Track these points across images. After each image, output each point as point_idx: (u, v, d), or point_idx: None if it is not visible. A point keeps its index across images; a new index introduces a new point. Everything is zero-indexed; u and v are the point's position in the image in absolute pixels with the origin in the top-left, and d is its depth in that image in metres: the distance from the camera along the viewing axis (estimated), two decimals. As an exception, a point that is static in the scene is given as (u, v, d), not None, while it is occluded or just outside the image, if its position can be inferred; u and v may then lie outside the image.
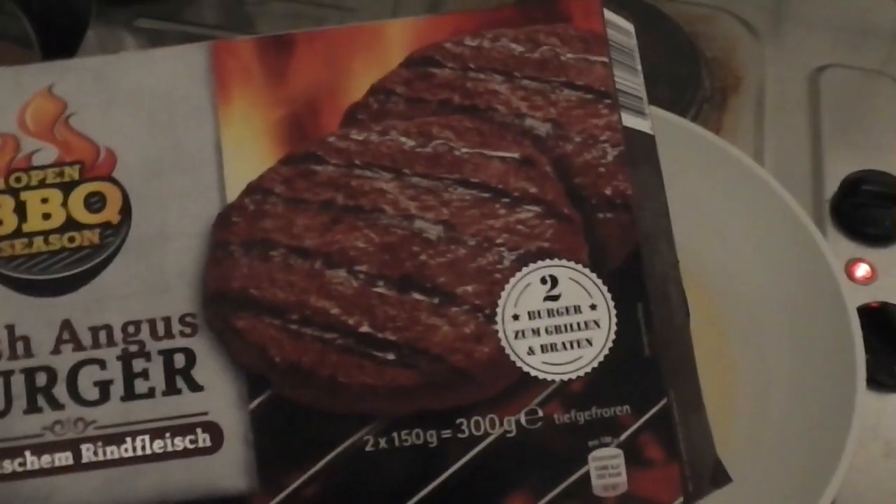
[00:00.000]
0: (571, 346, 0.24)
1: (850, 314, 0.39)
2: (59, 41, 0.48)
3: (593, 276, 0.25)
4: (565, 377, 0.24)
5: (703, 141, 0.43)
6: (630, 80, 0.27)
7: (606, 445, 0.24)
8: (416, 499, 0.24)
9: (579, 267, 0.25)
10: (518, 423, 0.24)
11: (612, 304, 0.25)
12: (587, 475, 0.24)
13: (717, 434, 0.38)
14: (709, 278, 0.42)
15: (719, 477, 0.27)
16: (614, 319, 0.25)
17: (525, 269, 0.24)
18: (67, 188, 0.24)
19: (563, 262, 0.25)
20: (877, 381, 0.43)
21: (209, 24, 0.52)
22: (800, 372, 0.40)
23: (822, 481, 0.36)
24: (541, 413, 0.24)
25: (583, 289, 0.25)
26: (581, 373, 0.24)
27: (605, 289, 0.25)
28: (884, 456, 0.42)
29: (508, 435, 0.24)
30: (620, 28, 0.27)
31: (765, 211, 0.42)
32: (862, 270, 0.45)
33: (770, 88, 0.50)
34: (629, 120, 0.26)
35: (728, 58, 0.51)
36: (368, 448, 0.24)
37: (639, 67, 0.28)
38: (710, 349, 0.41)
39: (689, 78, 0.49)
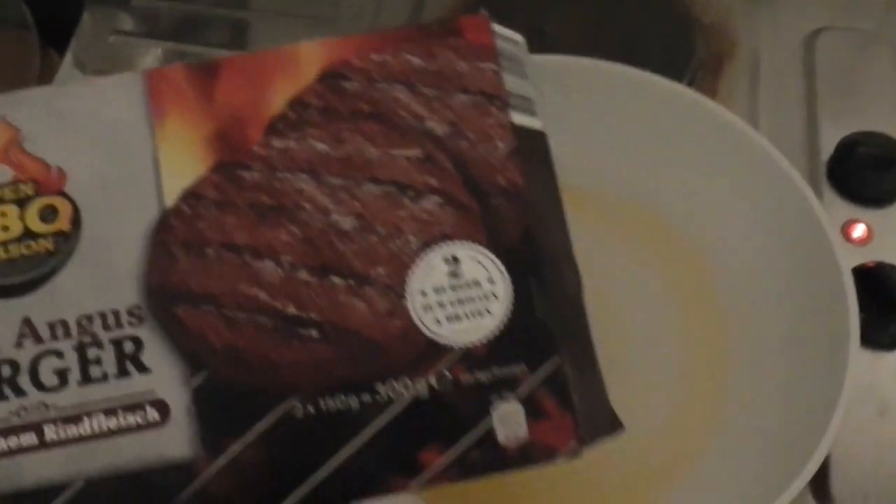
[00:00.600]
0: (473, 316, 0.28)
1: (843, 274, 0.40)
2: (56, 24, 0.52)
3: (491, 254, 0.28)
4: (469, 343, 0.28)
5: (696, 105, 0.44)
6: (519, 84, 0.30)
7: (507, 400, 0.27)
8: (340, 456, 0.27)
9: (477, 247, 0.28)
10: (429, 385, 0.27)
11: (508, 277, 0.28)
12: (491, 428, 0.27)
13: (712, 394, 0.41)
14: (703, 242, 0.44)
15: (612, 426, 0.30)
16: (510, 291, 0.28)
17: (429, 252, 0.28)
18: (23, 203, 0.28)
19: (463, 243, 0.28)
20: (872, 341, 0.43)
21: (204, 2, 0.55)
22: (793, 332, 0.41)
23: (814, 439, 0.37)
24: (448, 376, 0.28)
25: (481, 266, 0.28)
26: (483, 339, 0.28)
27: (501, 265, 0.28)
28: (878, 414, 0.43)
29: (421, 396, 0.27)
30: (508, 39, 0.31)
31: (759, 174, 0.43)
32: (858, 231, 0.46)
33: (765, 53, 0.50)
34: (519, 119, 0.30)
35: (723, 23, 0.52)
36: (297, 415, 0.27)
37: (528, 72, 0.31)
38: (705, 311, 0.43)
39: (684, 44, 0.50)
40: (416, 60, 0.29)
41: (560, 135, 0.45)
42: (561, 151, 0.45)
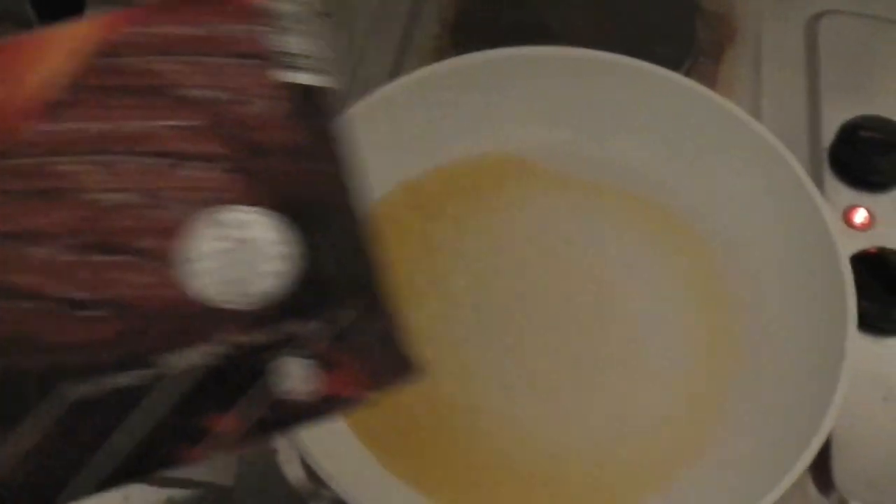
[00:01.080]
0: (253, 278, 0.28)
1: (841, 261, 0.40)
2: (58, 20, 0.52)
3: (269, 214, 0.28)
4: (249, 305, 0.28)
5: (695, 95, 0.44)
6: (298, 42, 0.30)
7: (293, 356, 0.28)
8: (123, 433, 0.27)
9: (254, 209, 0.28)
10: (210, 352, 0.27)
11: (289, 236, 0.28)
12: (279, 385, 0.28)
13: (715, 382, 0.41)
14: (706, 231, 0.44)
15: (409, 371, 0.30)
16: (292, 249, 0.28)
17: (201, 218, 0.28)
18: None
19: (239, 206, 0.28)
20: (876, 327, 0.43)
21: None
22: (794, 319, 0.41)
23: (814, 426, 0.37)
24: (230, 339, 0.27)
25: (259, 227, 0.28)
26: (264, 299, 0.28)
27: (281, 224, 0.28)
28: (883, 400, 0.42)
29: (203, 363, 0.27)
30: None
31: (759, 163, 0.43)
32: (860, 217, 0.46)
33: (767, 38, 0.50)
34: (300, 77, 0.30)
35: (724, 9, 0.51)
36: (75, 397, 0.27)
37: (310, 29, 0.31)
38: (708, 300, 0.43)
39: (686, 30, 0.50)
40: (184, 29, 0.29)
41: (563, 125, 0.46)
42: (564, 142, 0.46)
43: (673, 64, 0.46)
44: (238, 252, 0.28)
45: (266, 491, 0.41)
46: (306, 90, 0.30)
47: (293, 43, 0.30)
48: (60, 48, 0.29)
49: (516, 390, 0.41)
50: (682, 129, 0.44)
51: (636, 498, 0.39)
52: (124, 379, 0.27)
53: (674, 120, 0.44)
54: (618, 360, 0.42)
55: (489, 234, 0.44)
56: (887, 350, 0.43)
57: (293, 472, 0.40)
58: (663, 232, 0.44)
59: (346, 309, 0.28)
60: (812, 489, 0.40)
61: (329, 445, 0.37)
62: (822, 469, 0.40)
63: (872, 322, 0.43)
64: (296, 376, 0.28)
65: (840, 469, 0.40)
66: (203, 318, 0.28)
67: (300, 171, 0.29)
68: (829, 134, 0.47)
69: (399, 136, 0.44)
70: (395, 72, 0.50)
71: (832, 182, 0.46)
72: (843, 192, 0.46)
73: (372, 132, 0.43)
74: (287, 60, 0.29)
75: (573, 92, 0.45)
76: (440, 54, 0.46)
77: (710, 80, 0.45)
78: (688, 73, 0.48)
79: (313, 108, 0.30)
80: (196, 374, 0.27)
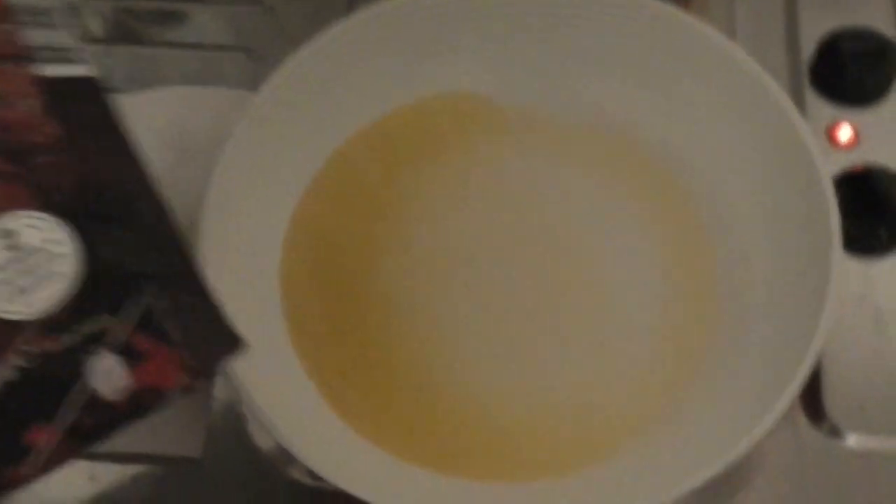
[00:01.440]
0: (43, 282, 0.27)
1: (823, 180, 0.38)
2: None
3: (47, 216, 0.28)
4: (44, 311, 0.27)
5: (663, 17, 0.42)
6: (49, 35, 0.30)
7: (99, 355, 0.27)
8: None
9: (30, 213, 0.28)
10: (13, 365, 0.27)
11: (71, 233, 0.28)
12: (90, 388, 0.27)
13: (697, 310, 0.39)
14: (681, 162, 0.42)
15: (232, 347, 0.30)
16: (77, 246, 0.28)
17: None
18: None
19: (13, 213, 0.28)
20: (864, 247, 0.42)
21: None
22: (777, 245, 0.40)
23: (801, 355, 0.36)
24: (32, 349, 0.27)
25: (39, 230, 0.28)
26: (58, 301, 0.27)
27: (61, 223, 0.28)
28: (873, 323, 0.41)
29: (8, 378, 0.27)
30: None
31: (733, 85, 0.41)
32: (845, 134, 0.44)
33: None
34: (53, 70, 0.30)
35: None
36: None
37: (60, 22, 0.31)
38: (687, 233, 0.41)
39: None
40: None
41: (526, 62, 0.44)
42: (528, 79, 0.44)
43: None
44: (26, 260, 0.27)
45: (236, 461, 0.40)
46: (66, 81, 0.29)
47: (45, 36, 0.29)
48: None
49: (484, 343, 0.40)
50: (650, 56, 0.42)
51: (619, 442, 0.38)
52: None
53: (642, 47, 0.42)
54: (593, 304, 0.40)
55: (451, 179, 0.43)
56: (877, 271, 0.41)
57: (264, 440, 0.39)
58: (634, 170, 0.42)
59: (143, 297, 0.28)
60: (803, 420, 0.39)
61: (291, 410, 0.36)
62: (812, 399, 0.39)
63: (861, 243, 0.41)
64: (108, 375, 0.27)
65: (831, 398, 0.39)
66: (4, 332, 0.27)
67: (65, 166, 0.28)
68: (808, 48, 0.45)
69: (356, 79, 0.42)
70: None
71: (813, 99, 0.44)
72: (825, 109, 0.44)
73: (326, 74, 0.42)
74: (40, 55, 0.29)
75: (535, 26, 0.43)
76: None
77: (682, 1, 0.43)
78: None
79: (69, 100, 0.29)
80: (9, 390, 0.27)
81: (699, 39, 0.41)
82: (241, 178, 0.39)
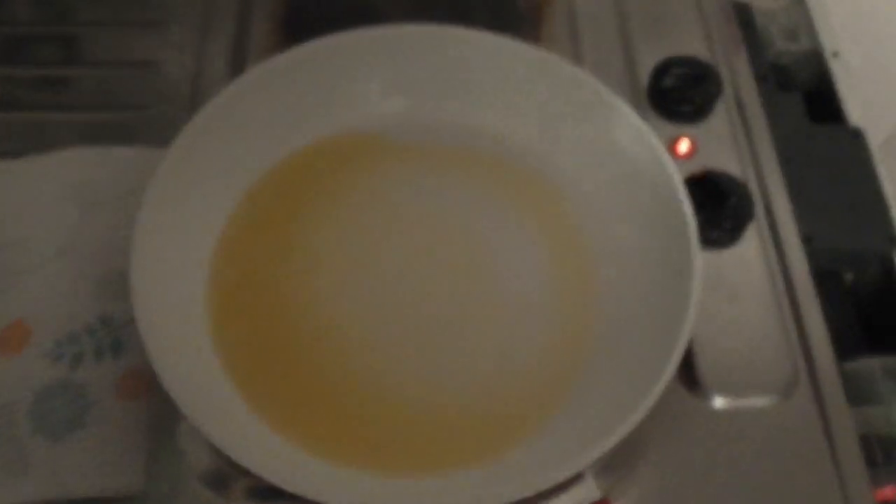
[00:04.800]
0: None
1: (677, 186, 0.45)
2: None
3: None
4: None
5: (526, 55, 0.48)
6: None
7: None
8: None
9: None
10: None
11: None
12: None
13: (581, 301, 0.45)
14: (554, 178, 0.48)
15: None
16: None
17: None
18: None
19: None
20: (713, 239, 0.48)
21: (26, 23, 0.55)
22: (645, 247, 0.46)
23: (675, 336, 0.41)
24: None
25: None
26: None
27: None
28: (728, 300, 0.48)
29: None
30: None
31: (590, 108, 0.47)
32: (683, 146, 0.51)
33: (579, -1, 0.55)
34: None
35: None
36: None
37: None
38: (561, 240, 0.47)
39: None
40: None
41: (407, 98, 0.49)
42: (412, 113, 0.49)
43: (497, 29, 0.49)
44: None
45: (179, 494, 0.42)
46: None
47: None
48: None
49: (392, 344, 0.44)
50: (520, 88, 0.48)
51: (523, 428, 0.42)
52: None
53: (511, 80, 0.48)
54: (488, 303, 0.45)
55: (351, 206, 0.47)
56: (727, 257, 0.48)
57: (196, 458, 0.41)
58: (517, 187, 0.48)
59: None
60: (682, 390, 0.45)
61: (215, 414, 0.40)
62: (688, 371, 0.45)
63: (710, 236, 0.48)
64: None
65: (702, 367, 0.45)
66: None
67: None
68: (644, 75, 0.52)
69: (258, 127, 0.47)
70: (236, 72, 0.51)
71: (654, 119, 0.51)
72: (664, 127, 0.51)
73: (231, 125, 0.46)
74: None
75: (412, 65, 0.49)
76: (279, 48, 0.48)
77: (533, 41, 0.49)
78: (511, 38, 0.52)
79: None
80: None
81: (557, 70, 0.48)
82: (163, 221, 0.42)
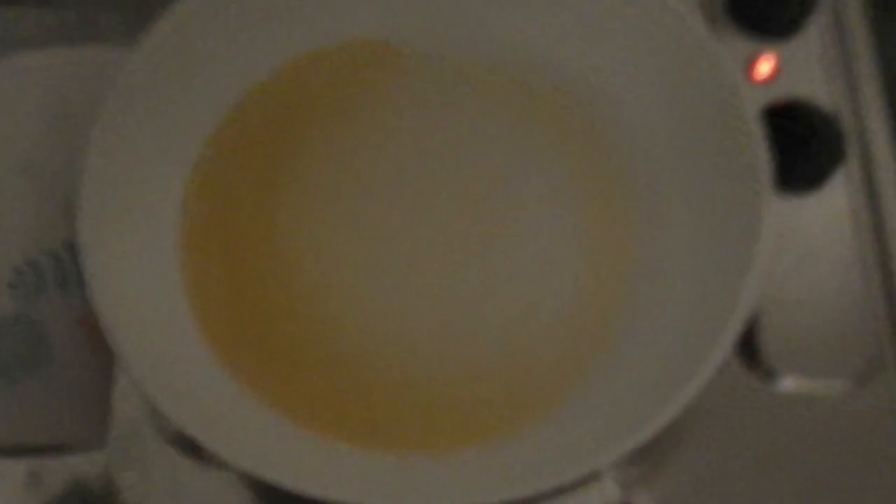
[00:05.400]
0: None
1: (749, 118, 0.36)
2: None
3: None
4: None
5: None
6: None
7: None
8: None
9: None
10: None
11: None
12: None
13: (618, 270, 0.38)
14: (594, 101, 0.40)
15: None
16: None
17: None
18: None
19: None
20: (790, 184, 0.41)
21: None
22: (702, 190, 0.37)
23: (735, 298, 0.34)
24: None
25: None
26: None
27: None
28: (804, 261, 0.40)
29: None
30: None
31: (648, 14, 0.38)
32: (765, 67, 0.42)
33: None
34: None
35: None
36: None
37: None
38: (599, 176, 0.39)
39: None
40: None
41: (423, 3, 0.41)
42: (426, 20, 0.41)
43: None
44: None
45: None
46: None
47: None
48: None
49: (396, 299, 0.37)
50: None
51: (545, 402, 0.36)
52: None
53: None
54: (509, 252, 0.38)
55: (353, 129, 0.40)
56: (804, 207, 0.41)
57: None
58: (546, 109, 0.40)
59: None
60: (739, 367, 0.38)
61: (187, 381, 0.34)
62: (748, 344, 0.38)
63: (787, 180, 0.40)
64: None
65: (766, 341, 0.38)
66: None
67: None
68: (724, -23, 0.44)
69: (249, 30, 0.39)
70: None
71: (732, 32, 0.43)
72: (744, 42, 0.43)
73: (214, 26, 0.38)
74: None
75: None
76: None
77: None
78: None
79: None
80: None
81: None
82: (124, 141, 0.36)
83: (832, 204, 0.41)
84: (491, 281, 0.38)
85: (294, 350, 0.36)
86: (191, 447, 0.36)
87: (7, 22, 0.45)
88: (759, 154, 0.36)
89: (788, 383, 0.38)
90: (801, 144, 0.41)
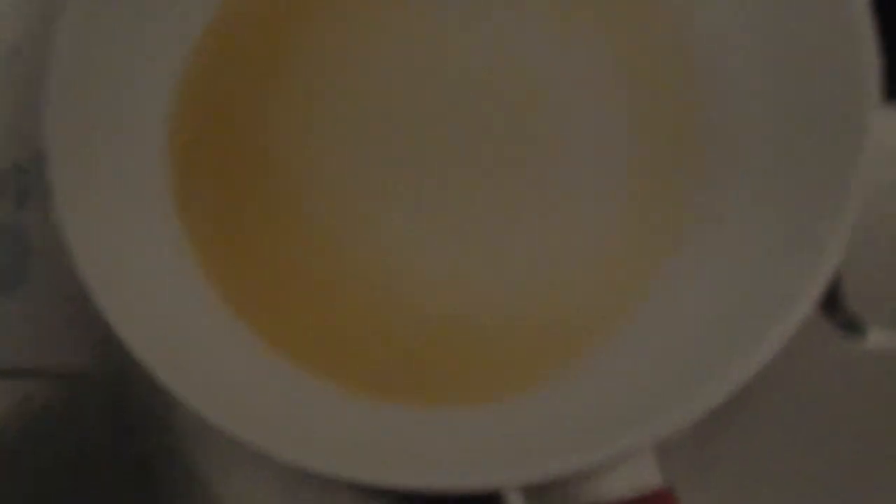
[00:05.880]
0: None
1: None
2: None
3: None
4: None
5: None
6: None
7: None
8: None
9: None
10: None
11: None
12: None
13: (678, 193, 0.32)
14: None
15: None
16: None
17: None
18: None
19: None
20: (896, 91, 0.33)
21: None
22: (791, 95, 0.30)
23: (824, 232, 0.28)
24: None
25: None
26: None
27: None
28: (903, 186, 0.33)
29: None
30: None
31: None
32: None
33: None
34: None
35: None
36: None
37: None
38: (665, 75, 0.32)
39: None
40: None
41: None
42: None
43: None
44: None
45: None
46: None
47: None
48: None
49: (415, 226, 0.31)
50: None
51: (591, 345, 0.30)
52: None
53: None
54: (548, 173, 0.31)
55: (358, 24, 0.33)
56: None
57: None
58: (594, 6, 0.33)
59: None
60: (821, 318, 0.32)
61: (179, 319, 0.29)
62: (831, 291, 0.32)
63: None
64: None
65: (855, 288, 0.32)
66: None
67: None
68: None
69: None
70: None
71: None
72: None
73: None
74: None
75: None
76: None
77: None
78: None
79: None
80: None
81: None
82: (100, 34, 0.31)
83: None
84: (531, 202, 0.32)
85: (302, 283, 0.31)
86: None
87: None
88: (866, 48, 0.28)
89: (879, 337, 0.32)
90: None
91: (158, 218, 0.31)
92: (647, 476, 0.27)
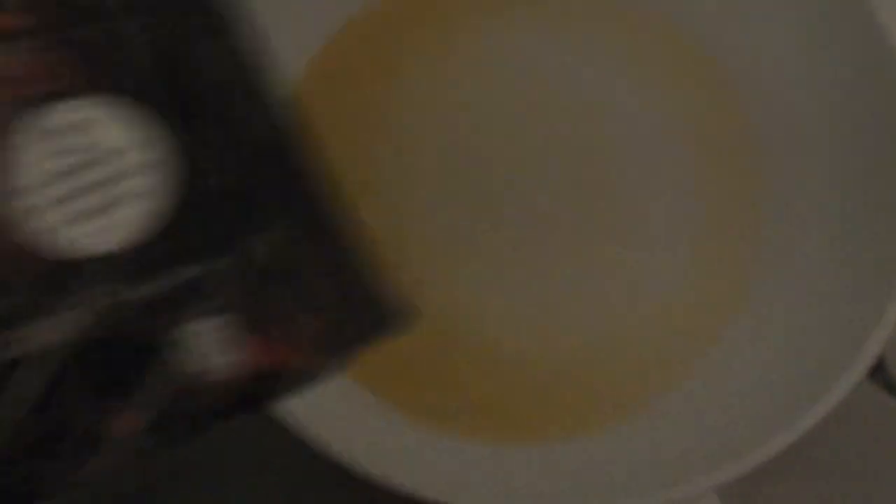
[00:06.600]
0: (119, 204, 0.18)
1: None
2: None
3: (120, 102, 0.19)
4: (120, 246, 0.18)
5: None
6: None
7: (202, 317, 0.19)
8: None
9: (97, 98, 0.19)
10: (76, 321, 0.18)
11: (158, 133, 0.19)
12: (184, 360, 0.19)
13: (741, 254, 0.33)
14: (730, 62, 0.35)
15: (392, 315, 0.21)
16: (166, 154, 0.19)
17: (29, 124, 0.18)
18: None
19: (75, 98, 0.18)
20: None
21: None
22: (846, 166, 0.33)
23: (884, 293, 0.29)
24: (104, 299, 0.18)
25: (109, 125, 0.19)
26: (139, 233, 0.19)
27: (142, 117, 0.19)
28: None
29: (68, 338, 0.18)
30: None
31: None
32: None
33: None
34: None
35: None
36: None
37: None
38: (731, 148, 0.34)
39: None
40: None
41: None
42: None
43: None
44: (87, 168, 0.18)
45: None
46: None
47: None
48: None
49: (492, 268, 0.33)
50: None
51: (653, 394, 0.32)
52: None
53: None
54: (620, 219, 0.34)
55: (455, 66, 0.35)
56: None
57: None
58: (668, 56, 0.35)
59: (266, 236, 0.19)
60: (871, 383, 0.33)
61: None
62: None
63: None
64: (207, 346, 0.19)
65: (893, 348, 0.33)
66: (58, 273, 0.18)
67: (146, 38, 0.19)
68: None
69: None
70: None
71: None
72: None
73: None
74: None
75: None
76: None
77: None
78: None
79: None
80: (64, 355, 0.18)
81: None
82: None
83: None
84: (592, 268, 0.33)
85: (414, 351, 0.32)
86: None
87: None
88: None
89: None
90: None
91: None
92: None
